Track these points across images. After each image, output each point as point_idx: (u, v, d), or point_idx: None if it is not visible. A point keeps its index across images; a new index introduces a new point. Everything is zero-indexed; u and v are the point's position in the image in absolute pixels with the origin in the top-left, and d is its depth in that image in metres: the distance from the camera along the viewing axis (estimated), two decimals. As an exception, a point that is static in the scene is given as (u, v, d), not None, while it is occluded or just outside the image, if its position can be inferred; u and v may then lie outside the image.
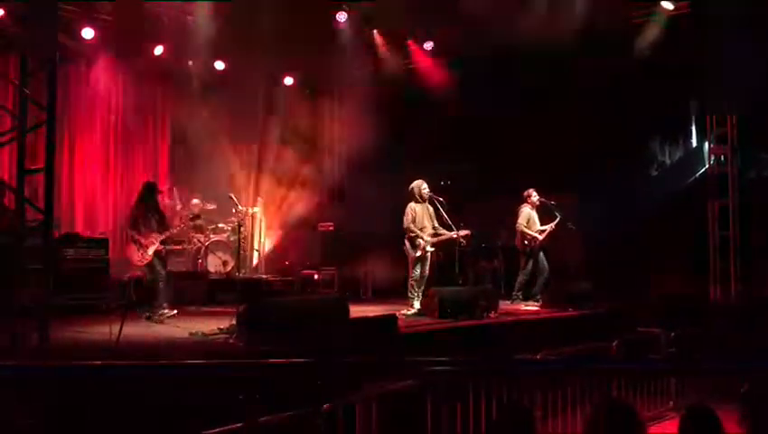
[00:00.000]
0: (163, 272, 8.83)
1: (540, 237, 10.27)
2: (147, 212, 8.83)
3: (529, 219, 10.34)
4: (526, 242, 10.29)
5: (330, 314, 7.28)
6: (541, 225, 10.36)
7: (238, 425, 4.18)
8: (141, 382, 4.32)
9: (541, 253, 10.33)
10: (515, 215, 10.41)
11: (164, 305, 8.69)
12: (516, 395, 5.66)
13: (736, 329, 8.71)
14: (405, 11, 11.38)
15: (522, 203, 10.44)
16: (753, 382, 3.30)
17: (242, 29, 10.88)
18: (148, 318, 8.48)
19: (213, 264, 10.93)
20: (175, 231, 9.47)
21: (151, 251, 8.65)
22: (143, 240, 8.63)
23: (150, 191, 9.06)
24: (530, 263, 10.29)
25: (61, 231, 9.90)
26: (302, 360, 3.32)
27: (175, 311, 8.79)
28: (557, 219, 10.25)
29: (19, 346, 6.00)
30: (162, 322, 8.42)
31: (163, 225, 8.86)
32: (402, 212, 9.19)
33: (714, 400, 3.80)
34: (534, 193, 10.40)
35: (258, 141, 13.14)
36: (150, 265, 8.70)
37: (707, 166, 10.91)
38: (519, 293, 10.27)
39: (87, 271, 9.51)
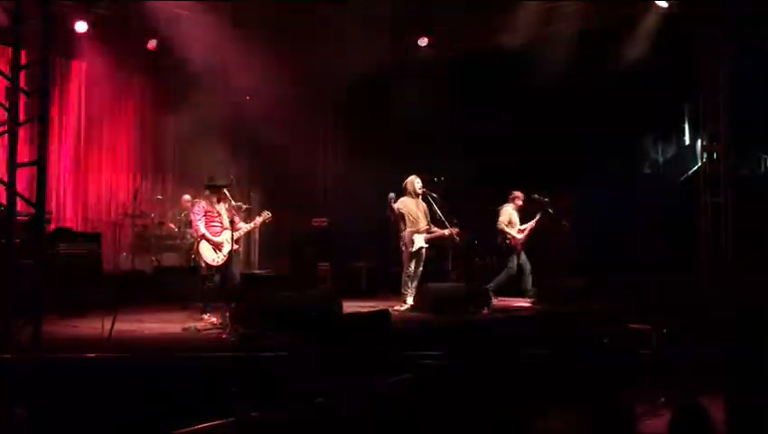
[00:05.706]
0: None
1: (519, 236, 10.33)
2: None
3: (509, 218, 10.41)
4: (507, 241, 10.35)
5: (323, 309, 7.28)
6: (521, 225, 10.45)
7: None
8: (132, 375, 4.32)
9: (522, 252, 10.39)
10: (497, 213, 10.47)
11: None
12: (508, 392, 5.66)
13: (727, 326, 8.73)
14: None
15: (506, 203, 10.50)
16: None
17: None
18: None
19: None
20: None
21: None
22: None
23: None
24: (511, 261, 10.34)
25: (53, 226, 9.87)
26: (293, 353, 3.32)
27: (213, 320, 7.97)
28: (539, 215, 10.34)
29: (12, 341, 5.98)
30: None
31: None
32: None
33: (705, 396, 3.81)
34: (520, 196, 10.47)
35: (252, 136, 13.07)
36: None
37: (699, 164, 10.93)
38: (492, 285, 10.16)
39: (79, 266, 9.47)
